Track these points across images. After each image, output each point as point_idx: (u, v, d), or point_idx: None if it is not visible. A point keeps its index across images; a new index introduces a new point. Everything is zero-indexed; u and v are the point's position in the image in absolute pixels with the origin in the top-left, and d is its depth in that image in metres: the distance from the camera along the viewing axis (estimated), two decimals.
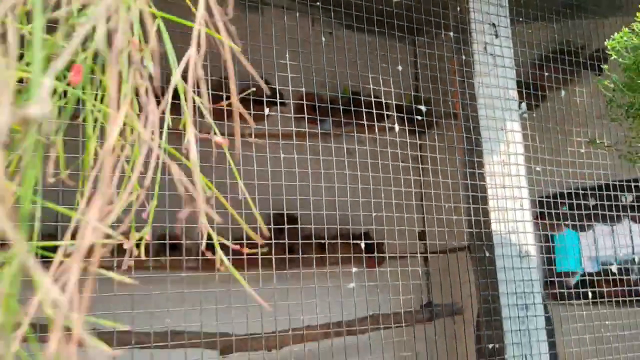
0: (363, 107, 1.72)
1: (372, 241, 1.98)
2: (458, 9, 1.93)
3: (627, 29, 0.81)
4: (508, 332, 1.63)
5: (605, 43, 0.81)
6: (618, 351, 1.99)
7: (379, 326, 1.90)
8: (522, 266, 1.71)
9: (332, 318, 1.85)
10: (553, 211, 2.01)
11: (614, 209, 2.26)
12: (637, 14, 0.82)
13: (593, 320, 1.99)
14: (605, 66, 0.87)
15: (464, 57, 1.85)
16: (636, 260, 2.84)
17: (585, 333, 1.94)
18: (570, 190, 2.16)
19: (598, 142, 1.40)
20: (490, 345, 1.62)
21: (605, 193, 2.20)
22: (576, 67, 2.28)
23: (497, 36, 1.95)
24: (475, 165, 1.76)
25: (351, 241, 1.81)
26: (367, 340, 1.89)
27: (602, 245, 3.11)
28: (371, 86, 1.74)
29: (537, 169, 1.88)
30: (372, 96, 1.74)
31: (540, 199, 2.03)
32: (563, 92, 2.21)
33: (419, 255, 2.17)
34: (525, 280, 1.70)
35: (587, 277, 3.12)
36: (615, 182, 2.25)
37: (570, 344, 1.89)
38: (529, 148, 1.92)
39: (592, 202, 2.32)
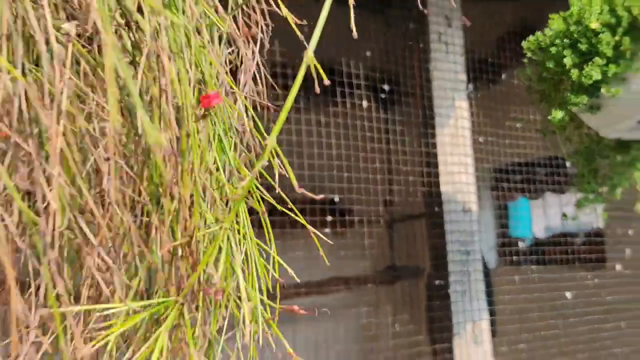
0: (336, 85, 2.03)
1: (339, 206, 2.22)
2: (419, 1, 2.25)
3: (539, 32, 1.15)
4: (452, 272, 2.00)
5: (523, 43, 1.15)
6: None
7: (345, 287, 2.09)
8: (465, 219, 2.08)
9: (302, 279, 2.11)
10: (507, 183, 2.39)
11: (562, 179, 2.64)
12: (549, 22, 1.15)
13: (537, 282, 2.41)
14: (526, 59, 1.20)
15: (422, 45, 2.18)
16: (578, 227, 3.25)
17: (532, 292, 2.37)
18: (521, 162, 2.53)
19: (525, 120, 1.76)
20: (437, 282, 1.99)
21: (554, 164, 2.59)
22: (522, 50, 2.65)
23: (450, 26, 2.28)
24: (429, 136, 2.11)
25: (321, 206, 2.04)
26: (334, 301, 2.08)
27: (551, 213, 3.54)
28: (344, 68, 2.05)
29: (480, 139, 2.25)
30: (344, 76, 2.05)
31: (495, 169, 2.41)
32: (504, 75, 2.56)
33: (382, 220, 2.45)
34: (467, 231, 2.07)
35: (536, 242, 3.55)
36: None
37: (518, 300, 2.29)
38: (474, 123, 2.28)
39: (542, 172, 2.69)
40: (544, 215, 3.89)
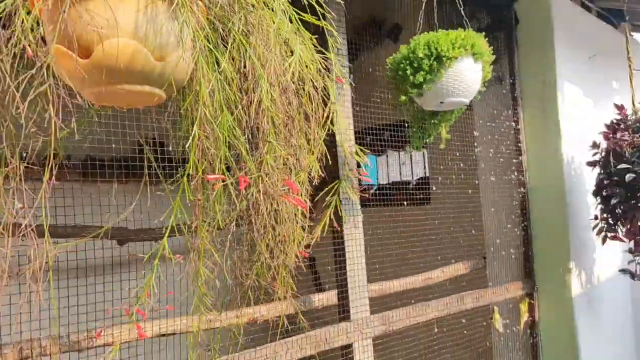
0: None
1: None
2: None
3: (392, 56, 2.12)
4: None
5: (387, 59, 2.11)
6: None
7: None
8: None
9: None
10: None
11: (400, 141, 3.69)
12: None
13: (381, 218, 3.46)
14: (387, 69, 2.17)
15: None
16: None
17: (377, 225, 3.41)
18: (370, 126, 3.53)
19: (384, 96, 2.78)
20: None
21: (395, 129, 3.63)
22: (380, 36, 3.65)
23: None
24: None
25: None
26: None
27: (391, 165, 4.69)
28: None
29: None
30: None
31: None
32: (363, 57, 3.54)
33: None
34: None
35: (380, 187, 4.66)
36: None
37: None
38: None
39: (387, 135, 3.69)
40: (386, 167, 5.07)
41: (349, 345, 2.34)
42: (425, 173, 4.65)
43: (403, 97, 2.07)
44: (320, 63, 1.48)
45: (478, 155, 3.27)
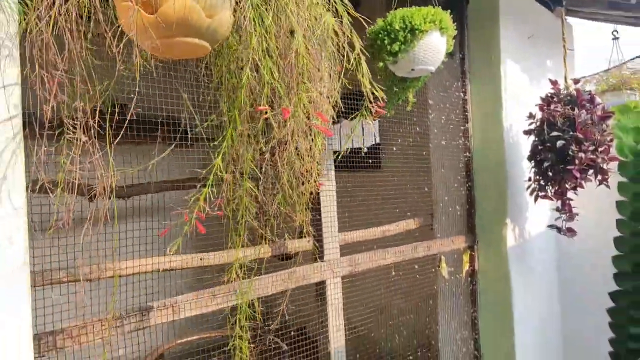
0: None
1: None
2: None
3: (371, 27, 2.42)
4: None
5: (367, 30, 2.41)
6: None
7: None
8: None
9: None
10: None
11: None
12: None
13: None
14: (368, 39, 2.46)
15: None
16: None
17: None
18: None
19: None
20: None
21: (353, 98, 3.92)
22: None
23: None
24: None
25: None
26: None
27: (345, 133, 4.93)
28: None
29: None
30: None
31: None
32: None
33: None
34: None
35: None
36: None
37: None
38: None
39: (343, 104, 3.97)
40: (341, 135, 5.38)
41: (323, 282, 2.67)
42: (376, 140, 4.98)
43: (380, 64, 2.37)
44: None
45: (431, 121, 3.63)
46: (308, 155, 1.61)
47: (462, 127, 3.72)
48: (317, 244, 2.67)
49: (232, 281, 2.06)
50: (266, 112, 1.45)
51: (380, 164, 4.47)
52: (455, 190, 3.72)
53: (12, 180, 1.37)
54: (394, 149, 3.60)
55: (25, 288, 1.43)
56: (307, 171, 1.63)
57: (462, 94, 3.71)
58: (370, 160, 4.19)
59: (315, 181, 1.71)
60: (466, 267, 3.69)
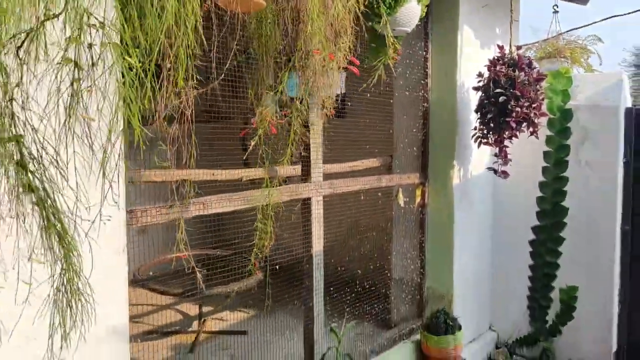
0: None
1: None
2: None
3: None
4: None
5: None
6: None
7: None
8: None
9: None
10: None
11: None
12: None
13: None
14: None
15: None
16: None
17: None
18: None
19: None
20: None
21: None
22: None
23: None
24: None
25: None
26: None
27: None
28: None
29: None
30: None
31: None
32: None
33: None
34: None
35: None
36: None
37: None
38: None
39: None
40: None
41: (309, 199, 3.29)
42: (342, 90, 5.58)
43: (375, 25, 2.96)
44: None
45: (397, 74, 4.25)
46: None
47: (422, 82, 4.36)
48: (304, 169, 3.29)
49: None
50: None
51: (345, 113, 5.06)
52: (413, 135, 4.39)
53: None
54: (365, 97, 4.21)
55: None
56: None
57: (424, 52, 4.34)
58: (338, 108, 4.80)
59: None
60: (418, 199, 4.40)
